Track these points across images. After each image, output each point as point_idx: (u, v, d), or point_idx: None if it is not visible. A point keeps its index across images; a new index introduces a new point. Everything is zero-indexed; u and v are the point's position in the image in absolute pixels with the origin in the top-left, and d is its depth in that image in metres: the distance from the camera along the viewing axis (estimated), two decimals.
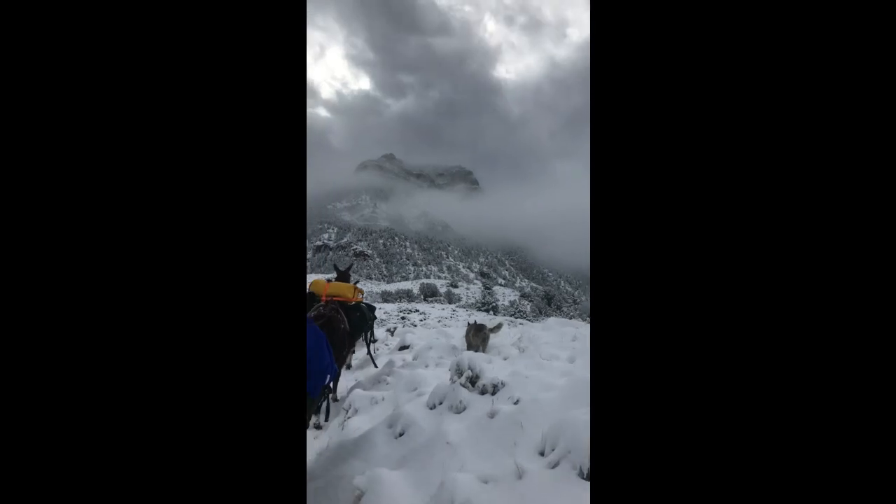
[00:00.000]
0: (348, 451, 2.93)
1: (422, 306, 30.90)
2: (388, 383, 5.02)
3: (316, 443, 3.54)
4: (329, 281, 4.43)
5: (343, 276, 5.00)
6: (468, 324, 7.16)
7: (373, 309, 6.38)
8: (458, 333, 8.90)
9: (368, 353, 6.19)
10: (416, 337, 8.67)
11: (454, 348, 6.59)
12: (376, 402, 4.14)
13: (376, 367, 5.71)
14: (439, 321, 20.64)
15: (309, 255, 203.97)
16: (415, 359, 6.32)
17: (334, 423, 4.07)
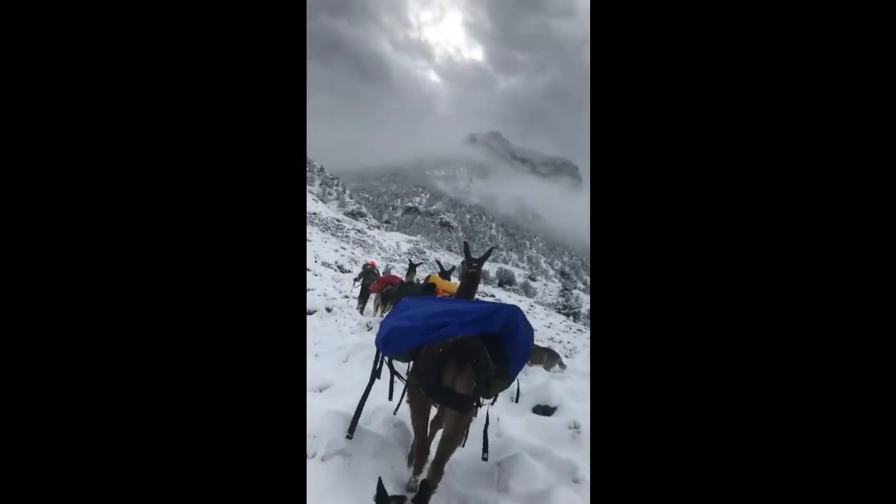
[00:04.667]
0: None
1: (497, 292, 29.48)
2: None
3: None
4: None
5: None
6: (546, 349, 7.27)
7: None
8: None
9: None
10: None
11: None
12: None
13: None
14: None
15: (398, 214, 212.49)
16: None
17: None
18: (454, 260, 51.39)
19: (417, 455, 2.54)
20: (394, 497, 1.60)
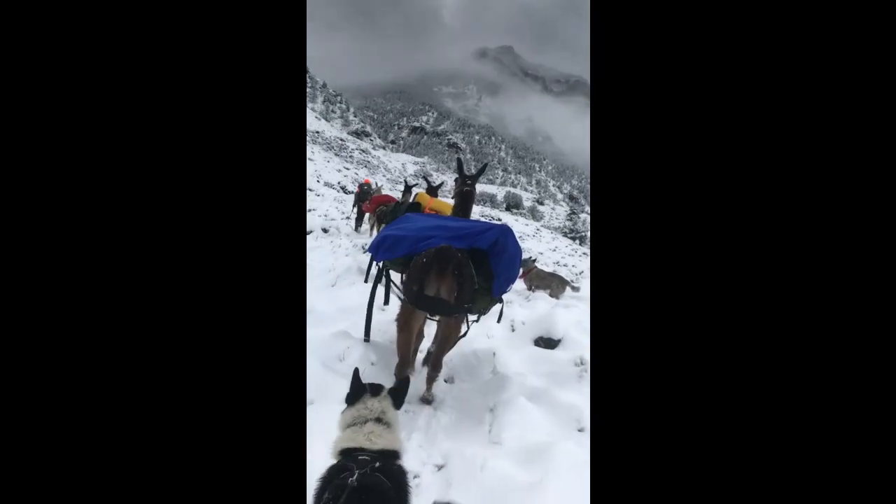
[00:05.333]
0: None
1: (504, 216, 28.90)
2: None
3: None
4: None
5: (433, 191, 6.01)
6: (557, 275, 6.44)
7: None
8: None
9: None
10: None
11: None
12: None
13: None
14: (521, 238, 18.97)
15: (404, 133, 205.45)
16: None
17: None
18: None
19: (399, 368, 2.52)
20: (370, 384, 1.48)
